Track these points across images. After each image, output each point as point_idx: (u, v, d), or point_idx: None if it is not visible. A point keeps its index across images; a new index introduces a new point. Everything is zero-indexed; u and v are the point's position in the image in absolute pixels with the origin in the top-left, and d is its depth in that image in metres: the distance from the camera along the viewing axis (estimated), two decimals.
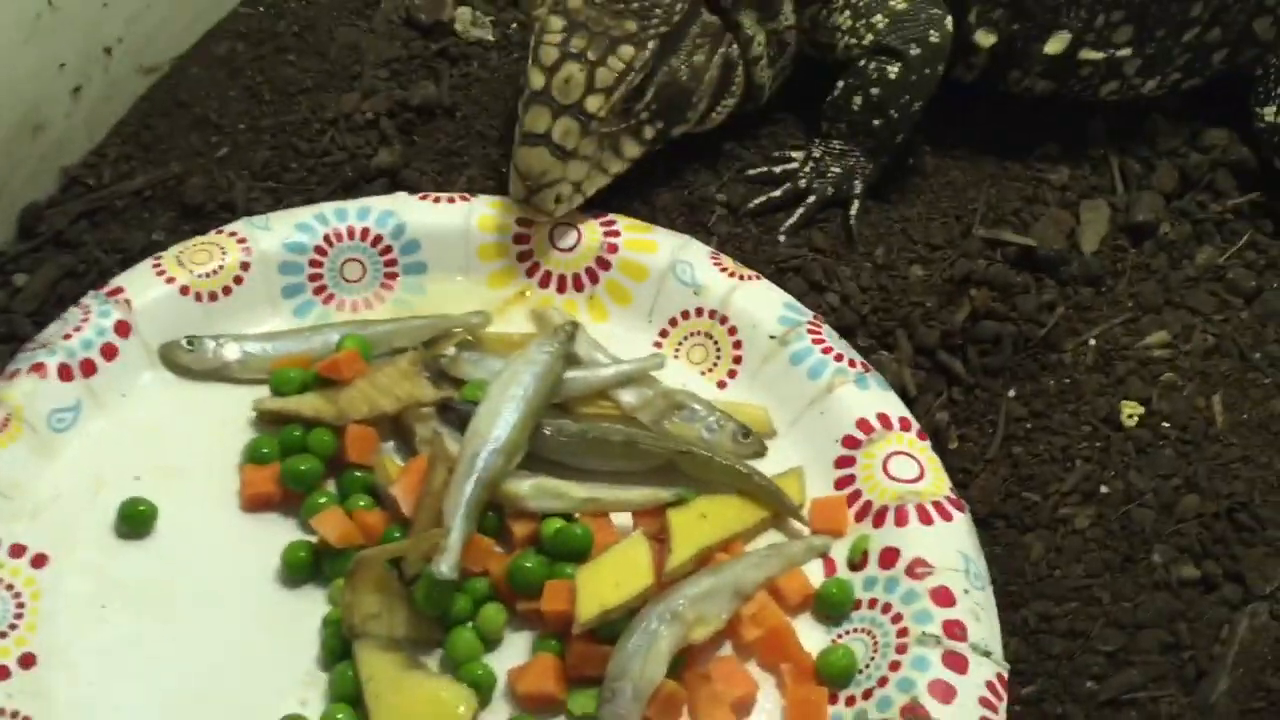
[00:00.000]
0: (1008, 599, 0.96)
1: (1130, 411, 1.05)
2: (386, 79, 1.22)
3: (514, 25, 1.27)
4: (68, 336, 0.98)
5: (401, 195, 1.10)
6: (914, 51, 1.10)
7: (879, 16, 1.11)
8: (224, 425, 0.98)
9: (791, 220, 1.13)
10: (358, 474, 0.94)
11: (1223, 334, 1.10)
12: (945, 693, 0.85)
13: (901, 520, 0.93)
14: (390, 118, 1.19)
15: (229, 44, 1.25)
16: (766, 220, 1.13)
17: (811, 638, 0.91)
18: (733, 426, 0.99)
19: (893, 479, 0.95)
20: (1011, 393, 1.07)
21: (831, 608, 0.92)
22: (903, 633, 0.88)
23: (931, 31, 1.11)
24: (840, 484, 0.98)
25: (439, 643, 0.88)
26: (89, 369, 0.97)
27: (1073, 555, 0.98)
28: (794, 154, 1.16)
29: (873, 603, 0.91)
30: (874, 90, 1.12)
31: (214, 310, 1.02)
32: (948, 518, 0.94)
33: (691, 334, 1.06)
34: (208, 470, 0.95)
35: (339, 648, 0.87)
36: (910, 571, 0.90)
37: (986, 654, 0.88)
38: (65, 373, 0.96)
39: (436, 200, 1.09)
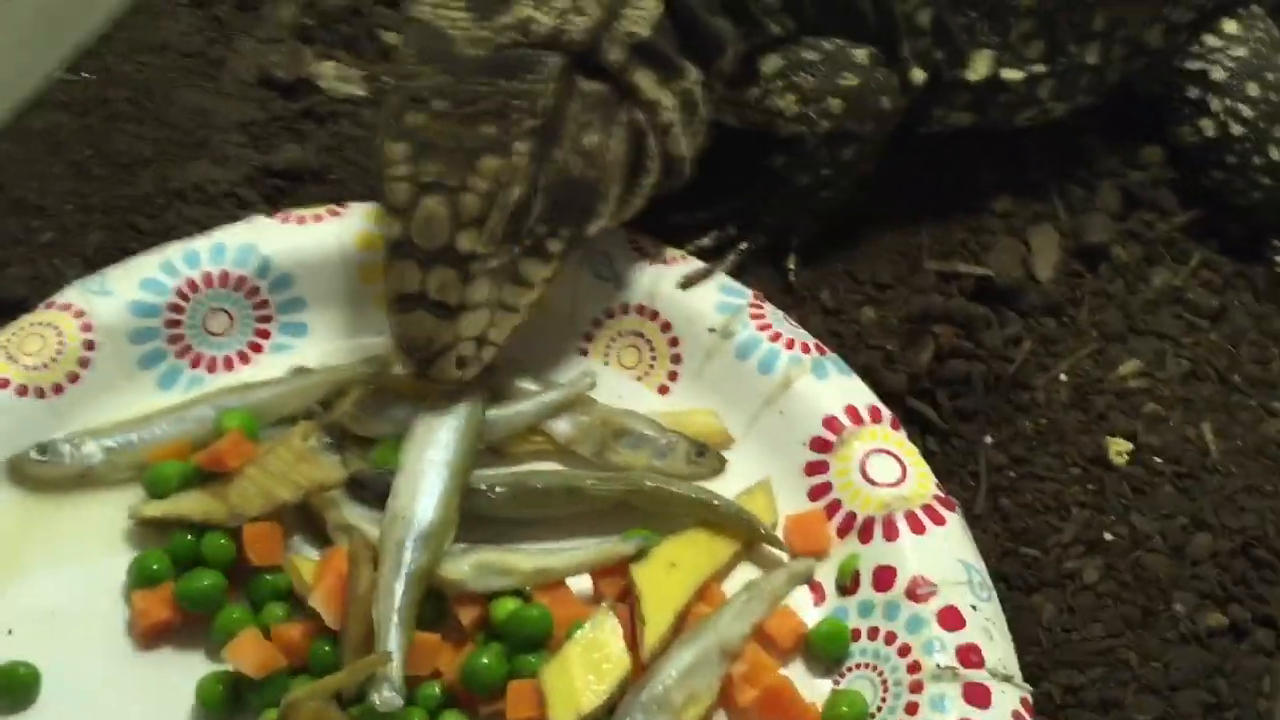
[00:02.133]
0: (1026, 672, 0.85)
1: (1118, 449, 0.98)
2: (243, 144, 1.09)
3: (385, 78, 1.13)
4: None
5: (259, 220, 0.97)
6: (869, 128, 1.00)
7: (833, 101, 0.98)
8: (99, 544, 0.84)
9: (721, 267, 1.01)
10: (267, 577, 0.82)
11: (1196, 358, 1.05)
12: None
13: (891, 533, 0.84)
14: (250, 186, 1.04)
15: (49, 116, 1.12)
16: None
17: (812, 684, 0.81)
18: (685, 446, 0.89)
19: (874, 484, 0.86)
20: (988, 439, 0.96)
21: (827, 651, 0.82)
22: (914, 667, 0.79)
23: (883, 98, 1.00)
24: (815, 494, 0.88)
25: None
26: None
27: (1088, 614, 0.90)
28: (722, 201, 1.04)
29: (874, 633, 0.82)
30: (825, 171, 1.02)
31: (61, 405, 0.88)
32: (940, 521, 0.85)
33: (620, 334, 0.95)
34: (90, 604, 0.82)
35: None
36: (911, 594, 0.82)
37: (1007, 679, 0.79)
38: None
39: (301, 220, 0.96)
